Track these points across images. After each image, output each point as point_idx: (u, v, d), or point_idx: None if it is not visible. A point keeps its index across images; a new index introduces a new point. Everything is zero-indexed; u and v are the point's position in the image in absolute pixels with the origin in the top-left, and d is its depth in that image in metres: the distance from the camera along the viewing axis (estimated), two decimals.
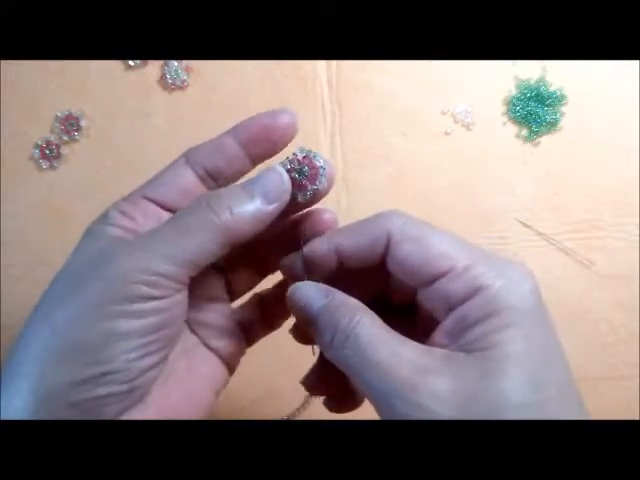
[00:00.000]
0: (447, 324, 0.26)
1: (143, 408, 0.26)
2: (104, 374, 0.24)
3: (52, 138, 0.49)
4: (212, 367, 0.30)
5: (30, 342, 0.25)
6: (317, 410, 0.47)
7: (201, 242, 0.25)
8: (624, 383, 0.47)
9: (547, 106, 0.50)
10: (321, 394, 0.32)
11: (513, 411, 0.22)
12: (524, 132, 0.50)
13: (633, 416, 0.46)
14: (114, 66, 0.50)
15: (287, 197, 0.28)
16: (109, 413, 0.25)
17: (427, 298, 0.27)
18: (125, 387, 0.25)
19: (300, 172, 0.28)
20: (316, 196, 0.29)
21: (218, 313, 0.31)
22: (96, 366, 0.24)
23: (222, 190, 0.27)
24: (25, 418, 0.24)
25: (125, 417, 0.25)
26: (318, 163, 0.28)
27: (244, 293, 0.34)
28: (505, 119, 0.50)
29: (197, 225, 0.26)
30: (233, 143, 0.28)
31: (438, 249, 0.26)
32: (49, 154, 0.49)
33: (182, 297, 0.26)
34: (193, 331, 0.31)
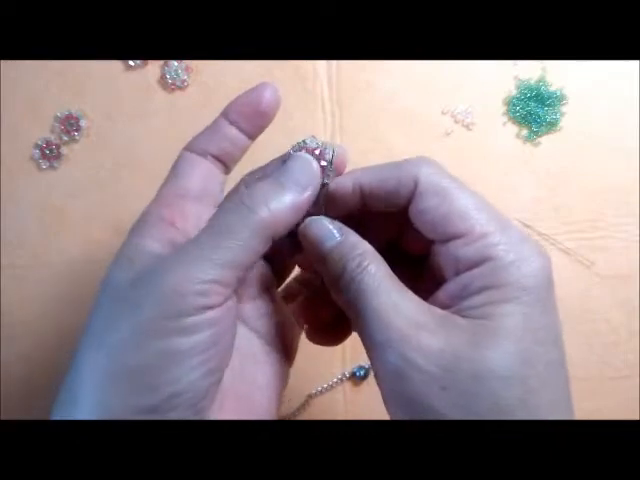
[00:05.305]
0: (452, 286, 0.26)
1: None
2: (170, 397, 0.23)
3: (52, 138, 0.49)
4: (267, 363, 0.29)
5: (84, 369, 0.24)
6: (317, 410, 0.47)
7: (244, 241, 0.25)
8: (624, 383, 0.47)
9: (547, 106, 0.50)
10: (304, 322, 0.32)
11: (495, 381, 0.23)
12: (524, 132, 0.50)
13: (633, 416, 0.46)
14: (114, 66, 0.50)
15: (319, 181, 0.28)
16: None
17: (439, 254, 0.27)
18: (190, 412, 0.24)
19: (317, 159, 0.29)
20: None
21: (268, 301, 0.30)
22: (158, 391, 0.23)
23: (254, 187, 0.27)
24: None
25: None
26: (328, 155, 0.29)
27: (289, 275, 0.34)
28: (505, 119, 0.50)
29: (237, 226, 0.25)
30: (226, 123, 0.29)
31: (460, 209, 0.26)
32: (49, 154, 0.49)
33: (233, 303, 0.26)
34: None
